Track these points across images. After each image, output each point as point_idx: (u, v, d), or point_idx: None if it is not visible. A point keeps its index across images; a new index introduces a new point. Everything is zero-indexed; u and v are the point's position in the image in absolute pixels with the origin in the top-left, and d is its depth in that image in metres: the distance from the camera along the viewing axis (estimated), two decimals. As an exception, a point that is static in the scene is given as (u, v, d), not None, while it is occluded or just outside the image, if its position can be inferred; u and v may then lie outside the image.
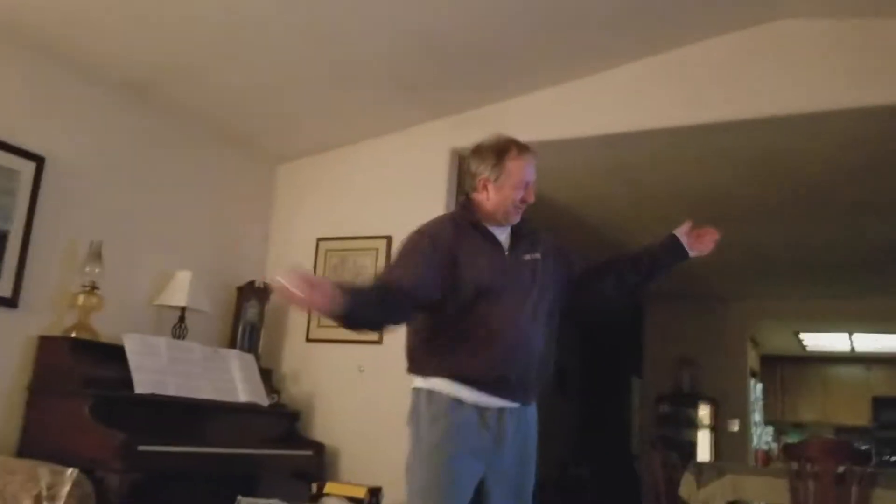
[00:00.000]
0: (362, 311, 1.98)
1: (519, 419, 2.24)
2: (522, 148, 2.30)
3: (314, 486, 3.67)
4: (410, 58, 3.77)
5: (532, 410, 2.31)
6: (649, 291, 7.99)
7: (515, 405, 2.21)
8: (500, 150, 2.28)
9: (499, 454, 2.17)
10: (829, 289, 7.33)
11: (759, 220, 5.43)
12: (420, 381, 2.21)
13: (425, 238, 2.22)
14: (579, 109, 4.08)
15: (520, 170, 2.26)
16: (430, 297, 2.14)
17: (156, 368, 3.49)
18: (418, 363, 2.22)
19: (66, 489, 1.45)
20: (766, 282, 7.33)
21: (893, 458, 8.69)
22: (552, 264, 2.35)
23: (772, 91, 3.62)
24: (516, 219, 2.31)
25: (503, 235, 2.31)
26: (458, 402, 2.13)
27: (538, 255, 2.32)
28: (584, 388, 9.06)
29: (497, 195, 2.26)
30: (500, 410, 2.18)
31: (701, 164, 4.43)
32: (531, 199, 2.30)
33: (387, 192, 4.57)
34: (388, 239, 4.45)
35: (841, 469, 3.65)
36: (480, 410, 2.15)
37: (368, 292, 2.06)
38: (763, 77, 3.66)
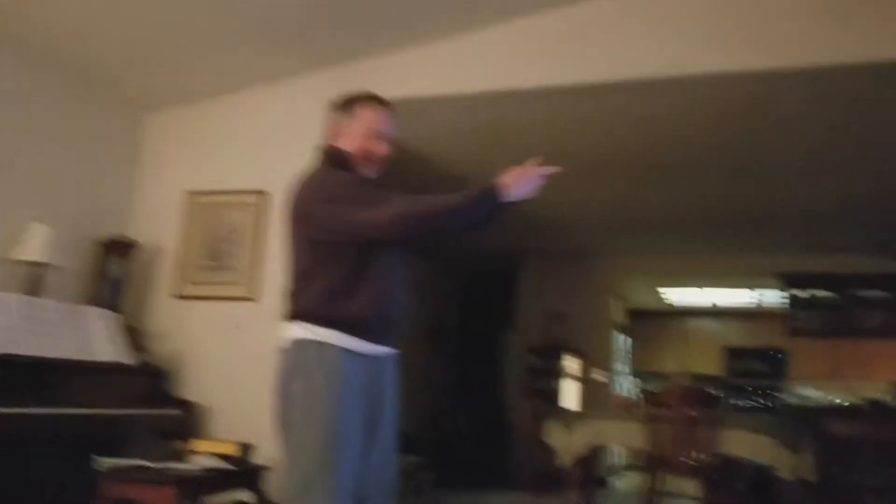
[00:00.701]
0: None
1: (391, 366, 2.29)
2: (375, 99, 2.33)
3: (179, 444, 3.59)
4: (290, 4, 3.64)
5: (397, 356, 2.35)
6: (524, 248, 8.20)
7: (391, 352, 2.26)
8: (352, 99, 2.33)
9: (381, 402, 2.21)
10: (691, 247, 7.75)
11: (630, 180, 5.63)
12: (306, 333, 2.14)
13: (346, 177, 2.21)
14: (463, 65, 4.09)
15: (368, 118, 2.29)
16: None
17: (5, 326, 3.29)
18: (312, 313, 2.15)
19: None
20: (632, 239, 7.68)
21: (741, 403, 9.40)
22: None
23: (653, 54, 3.73)
24: (372, 172, 2.32)
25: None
26: (349, 354, 2.12)
27: None
28: (460, 340, 9.25)
29: (348, 142, 2.29)
30: (382, 359, 2.22)
31: (583, 124, 4.50)
32: (383, 151, 2.31)
33: (261, 146, 4.45)
34: (263, 194, 4.34)
35: (693, 413, 3.93)
36: (367, 361, 2.17)
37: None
38: (646, 40, 3.76)
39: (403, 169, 2.42)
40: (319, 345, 2.13)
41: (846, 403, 7.73)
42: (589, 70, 3.85)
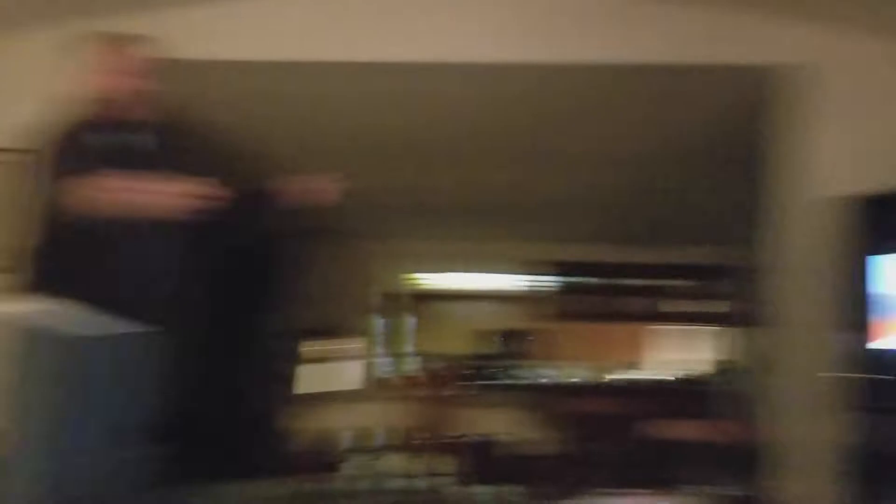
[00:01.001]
0: None
1: (134, 347, 2.17)
2: (113, 35, 2.24)
3: None
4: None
5: (146, 336, 2.22)
6: (286, 227, 8.05)
7: (136, 331, 2.14)
8: (86, 39, 2.22)
9: (117, 382, 2.11)
10: (462, 232, 8.01)
11: (413, 164, 5.70)
12: (36, 308, 2.00)
13: (72, 146, 2.05)
14: (238, 31, 3.93)
15: (104, 53, 2.19)
16: None
17: None
18: (48, 288, 2.01)
19: None
20: (403, 223, 7.80)
21: (505, 383, 9.86)
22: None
23: (444, 36, 3.77)
24: (127, 111, 2.19)
25: (121, 135, 2.17)
26: (83, 328, 1.99)
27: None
28: (213, 324, 8.93)
29: (89, 87, 2.16)
30: (119, 339, 2.09)
31: (366, 104, 4.47)
32: (127, 86, 2.18)
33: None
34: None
35: (449, 393, 4.08)
36: (107, 337, 2.04)
37: None
38: (440, 22, 3.78)
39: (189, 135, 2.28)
40: (49, 322, 1.99)
41: (605, 380, 8.37)
42: (358, 48, 3.83)
